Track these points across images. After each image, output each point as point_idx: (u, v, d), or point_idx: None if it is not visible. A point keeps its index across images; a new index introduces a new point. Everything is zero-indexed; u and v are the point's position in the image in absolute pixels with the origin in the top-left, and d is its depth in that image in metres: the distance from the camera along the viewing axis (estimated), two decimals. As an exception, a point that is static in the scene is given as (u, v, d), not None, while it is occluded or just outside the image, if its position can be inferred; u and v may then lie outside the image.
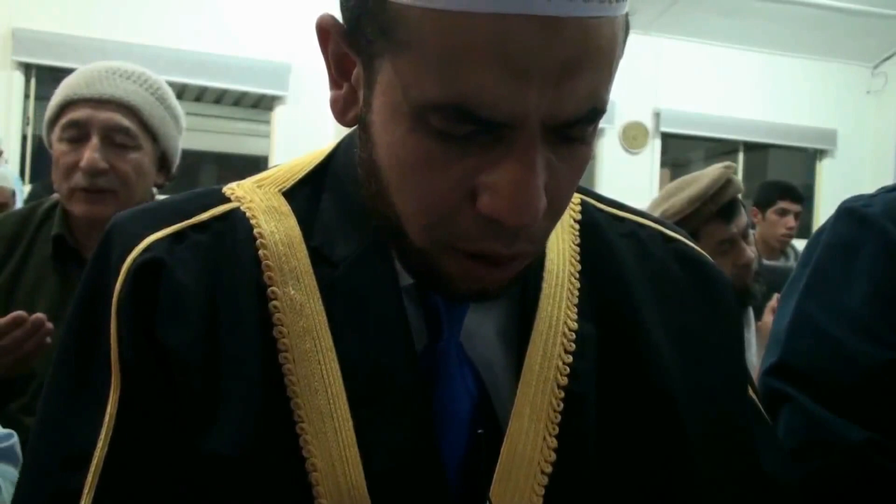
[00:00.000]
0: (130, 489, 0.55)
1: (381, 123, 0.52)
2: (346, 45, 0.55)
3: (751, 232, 1.91)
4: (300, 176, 0.65)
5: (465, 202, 0.51)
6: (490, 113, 0.47)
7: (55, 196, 1.42)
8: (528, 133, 0.48)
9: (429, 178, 0.51)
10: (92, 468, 0.55)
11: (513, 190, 0.49)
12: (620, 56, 0.51)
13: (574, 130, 0.50)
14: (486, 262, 0.53)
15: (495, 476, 0.56)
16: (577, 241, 0.66)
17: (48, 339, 1.17)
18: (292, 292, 0.58)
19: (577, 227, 0.67)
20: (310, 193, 0.64)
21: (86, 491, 0.55)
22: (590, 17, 0.47)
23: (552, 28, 0.46)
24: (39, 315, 1.16)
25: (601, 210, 0.70)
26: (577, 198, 0.69)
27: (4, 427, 1.03)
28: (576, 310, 0.62)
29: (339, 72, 0.57)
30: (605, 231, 0.68)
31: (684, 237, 0.72)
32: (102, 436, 0.56)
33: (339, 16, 0.56)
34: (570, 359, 0.60)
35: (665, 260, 0.68)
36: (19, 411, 1.25)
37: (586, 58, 0.47)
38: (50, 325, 1.17)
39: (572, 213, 0.67)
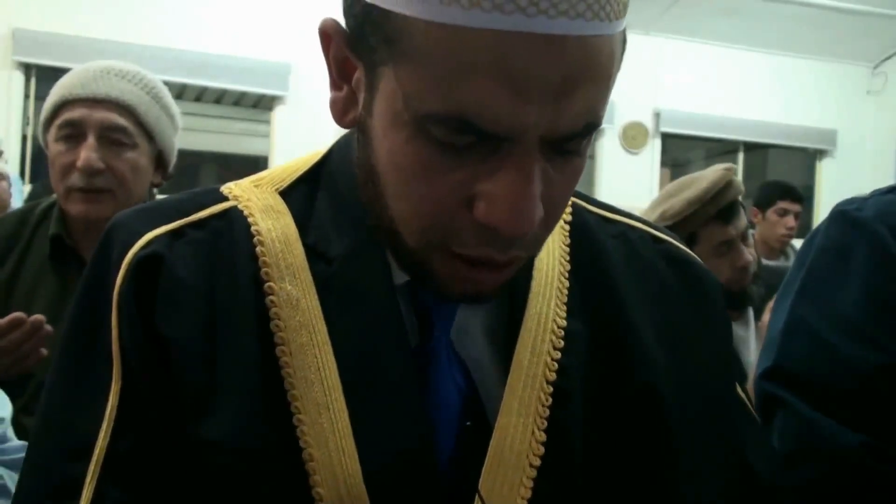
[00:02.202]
0: (131, 479, 0.57)
1: (380, 129, 0.53)
2: (348, 50, 0.56)
3: (750, 233, 1.91)
4: (296, 176, 0.66)
5: (462, 209, 0.52)
6: (490, 126, 0.48)
7: (54, 196, 1.42)
8: (527, 145, 0.49)
9: (427, 184, 0.52)
10: (93, 458, 0.56)
11: (510, 199, 0.49)
12: (618, 70, 0.52)
13: (570, 144, 0.52)
14: (480, 266, 0.54)
15: (484, 469, 0.57)
16: (567, 241, 0.67)
17: (43, 351, 1.17)
18: (289, 288, 0.59)
19: (567, 227, 0.68)
20: (306, 193, 0.65)
21: (87, 481, 0.56)
22: (591, 35, 0.47)
23: (553, 46, 0.46)
24: (38, 317, 1.16)
25: (591, 212, 0.71)
26: None
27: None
28: (565, 308, 0.63)
29: (340, 75, 0.58)
30: (594, 232, 0.69)
31: (673, 239, 0.73)
32: (104, 427, 0.57)
33: (341, 20, 0.57)
34: (558, 355, 0.61)
35: (654, 260, 0.70)
36: (19, 412, 1.25)
37: (586, 75, 0.48)
38: (49, 327, 1.17)
39: (563, 214, 0.68)
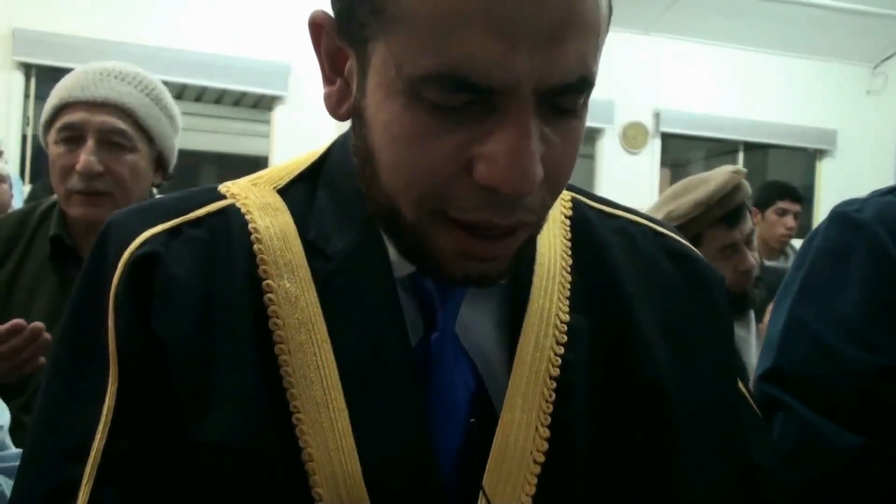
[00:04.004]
0: (128, 479, 0.56)
1: (375, 105, 0.53)
2: (338, 38, 0.56)
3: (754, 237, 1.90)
4: (295, 174, 0.66)
5: (462, 174, 0.52)
6: (482, 79, 0.48)
7: (54, 197, 1.43)
8: (521, 101, 0.49)
9: (423, 151, 0.52)
10: (90, 459, 0.56)
11: (509, 158, 0.49)
12: (605, 32, 0.53)
13: (565, 100, 0.52)
14: (483, 236, 0.54)
15: (488, 465, 0.57)
16: (569, 236, 0.67)
17: (42, 359, 1.18)
18: (287, 285, 0.59)
19: (567, 222, 0.68)
20: (305, 190, 0.65)
21: (84, 481, 0.56)
22: None
23: None
24: (38, 324, 1.17)
25: (591, 207, 0.71)
26: (567, 195, 0.70)
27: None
28: (567, 302, 0.63)
29: (331, 67, 0.58)
30: (595, 227, 0.69)
31: (673, 233, 0.73)
32: (100, 427, 0.56)
33: (331, 13, 0.58)
34: (561, 350, 0.61)
35: (655, 254, 0.70)
36: (19, 410, 1.25)
37: (572, 24, 0.49)
38: (48, 335, 1.18)
39: (563, 209, 0.69)
